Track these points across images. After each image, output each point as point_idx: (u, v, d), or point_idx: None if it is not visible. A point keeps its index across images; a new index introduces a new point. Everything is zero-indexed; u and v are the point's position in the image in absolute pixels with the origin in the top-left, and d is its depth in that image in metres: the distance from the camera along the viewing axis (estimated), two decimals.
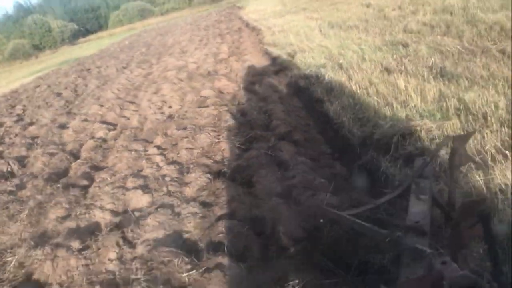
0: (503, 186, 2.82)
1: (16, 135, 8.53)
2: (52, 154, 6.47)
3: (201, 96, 7.44)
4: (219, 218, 3.41)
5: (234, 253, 2.94)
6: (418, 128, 3.88)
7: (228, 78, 8.37)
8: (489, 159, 3.15)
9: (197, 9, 45.13)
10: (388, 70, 6.11)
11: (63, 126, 8.22)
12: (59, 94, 12.38)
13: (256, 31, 14.78)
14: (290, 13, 17.39)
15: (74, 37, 49.00)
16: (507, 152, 3.16)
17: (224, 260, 2.85)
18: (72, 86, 13.14)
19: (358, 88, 5.67)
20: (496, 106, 4.01)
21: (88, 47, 34.99)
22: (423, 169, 2.34)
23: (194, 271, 2.85)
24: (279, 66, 8.55)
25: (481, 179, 2.89)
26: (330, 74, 6.62)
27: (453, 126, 3.85)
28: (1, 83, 23.66)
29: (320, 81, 6.55)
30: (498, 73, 4.81)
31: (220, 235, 3.18)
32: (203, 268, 2.84)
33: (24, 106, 11.89)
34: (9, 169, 6.37)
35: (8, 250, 3.87)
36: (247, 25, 17.42)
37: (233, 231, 3.15)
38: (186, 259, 2.98)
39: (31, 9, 57.63)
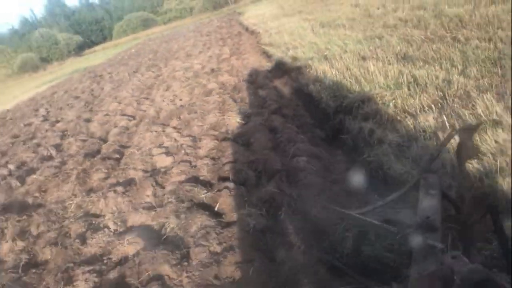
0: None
1: (47, 130, 9.86)
2: (83, 140, 7.80)
3: (207, 89, 8.74)
4: (225, 164, 4.68)
5: (236, 181, 4.21)
6: (375, 96, 5.15)
7: (229, 73, 9.68)
8: (418, 111, 4.40)
9: (199, 17, 46.69)
10: (363, 58, 7.37)
11: (88, 120, 9.53)
12: (77, 97, 13.75)
13: (255, 34, 16.10)
14: (287, 16, 18.71)
15: (80, 49, 50.80)
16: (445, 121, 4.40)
17: (229, 185, 4.12)
18: (89, 90, 14.52)
19: (337, 73, 6.93)
20: (437, 77, 5.27)
21: (95, 57, 36.55)
22: (431, 164, 2.37)
23: (208, 193, 4.12)
24: (273, 61, 9.82)
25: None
26: (316, 65, 7.89)
27: (402, 93, 5.11)
28: (16, 93, 25.16)
29: (308, 70, 7.81)
30: (445, 54, 6.07)
31: (226, 172, 4.45)
32: (215, 190, 4.12)
33: (47, 109, 13.26)
34: (48, 154, 7.68)
35: (67, 200, 5.15)
36: (247, 29, 18.76)
37: (235, 169, 4.43)
38: (203, 187, 4.25)
39: (36, 23, 59.55)
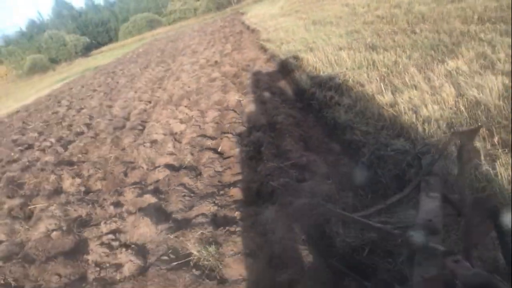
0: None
1: (74, 115, 11.63)
2: (109, 120, 9.55)
3: (211, 77, 10.47)
4: (225, 125, 6.40)
5: (233, 133, 5.93)
6: (340, 74, 6.84)
7: (230, 65, 11.40)
8: (367, 82, 6.08)
9: (203, 17, 48.54)
10: (340, 49, 9.05)
11: (109, 106, 11.29)
12: (95, 90, 15.54)
13: (255, 32, 17.80)
14: (285, 15, 20.43)
15: (86, 50, 52.83)
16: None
17: (229, 135, 5.84)
18: (105, 84, 16.31)
19: (317, 60, 8.61)
20: (389, 60, 6.94)
21: (103, 57, 38.45)
22: (432, 166, 2.38)
23: (213, 141, 5.84)
24: (269, 54, 11.52)
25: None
26: (302, 55, 9.58)
27: (360, 72, 6.79)
28: (31, 92, 27.03)
29: (295, 60, 9.51)
30: (401, 43, 7.74)
31: (226, 129, 6.17)
32: (218, 139, 5.83)
33: (69, 100, 15.05)
34: (81, 130, 9.43)
35: (106, 155, 6.88)
36: (248, 27, 20.48)
37: (233, 127, 6.15)
38: (209, 139, 5.98)
39: (43, 25, 61.68)
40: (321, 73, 7.65)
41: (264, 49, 12.90)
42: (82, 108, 12.36)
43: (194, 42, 21.71)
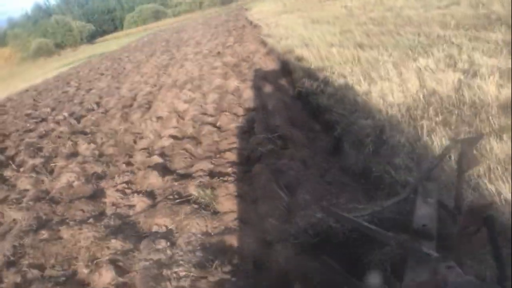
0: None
1: (84, 95, 12.45)
2: (118, 99, 10.38)
3: (213, 66, 11.31)
4: (225, 105, 7.26)
5: (231, 112, 6.78)
6: (327, 67, 7.70)
7: (232, 56, 12.24)
8: (349, 75, 6.94)
9: (208, 11, 49.26)
10: (332, 45, 9.90)
11: (117, 88, 12.12)
12: (102, 74, 16.35)
13: (257, 27, 18.61)
14: (287, 13, 21.25)
15: (92, 37, 53.44)
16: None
17: (226, 113, 6.69)
18: (112, 69, 17.12)
19: (310, 55, 9.45)
20: (371, 57, 7.80)
21: (108, 45, 39.13)
22: (430, 172, 2.39)
23: (213, 117, 6.71)
24: (268, 48, 12.35)
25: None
26: (298, 50, 10.42)
27: (346, 66, 7.64)
28: (37, 74, 27.74)
29: (291, 54, 10.35)
30: (385, 43, 8.60)
31: (225, 109, 7.03)
32: (217, 116, 6.69)
33: (77, 82, 15.85)
34: (91, 107, 10.25)
35: (116, 127, 7.72)
36: (251, 23, 21.29)
37: (231, 107, 7.01)
38: (210, 116, 6.83)
39: (50, 10, 62.21)
40: (312, 66, 8.50)
41: (264, 43, 13.72)
42: (91, 89, 13.17)
43: (198, 34, 22.50)
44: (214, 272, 2.98)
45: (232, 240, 3.35)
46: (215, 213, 3.85)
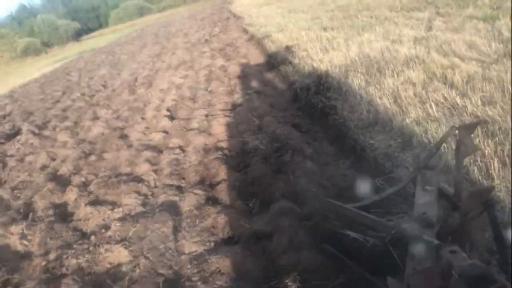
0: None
1: (87, 81, 14.37)
2: (121, 81, 12.37)
3: (202, 51, 13.34)
4: (213, 77, 9.32)
5: (218, 80, 8.85)
6: (296, 44, 9.79)
7: (218, 43, 14.29)
8: (311, 49, 9.04)
9: (192, 5, 51.03)
10: (303, 29, 11.99)
11: (118, 74, 14.07)
12: (99, 65, 18.23)
13: (240, 18, 20.63)
14: (267, 4, 23.29)
15: (77, 35, 54.88)
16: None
17: (216, 82, 8.75)
18: (107, 61, 19.01)
19: (284, 37, 11.53)
20: (332, 36, 9.89)
21: (95, 42, 40.78)
22: (428, 160, 2.50)
23: (205, 85, 8.77)
24: (249, 35, 14.41)
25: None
26: (274, 34, 12.49)
27: (310, 44, 9.72)
28: (31, 70, 29.41)
29: (268, 38, 12.42)
30: (344, 25, 10.70)
31: (214, 79, 9.09)
32: (208, 84, 8.76)
33: (77, 72, 17.73)
34: (99, 88, 12.22)
35: (125, 99, 9.73)
36: (234, 15, 23.30)
37: (219, 77, 9.07)
38: (202, 84, 8.90)
39: (34, 10, 63.37)
40: (284, 45, 10.59)
41: (246, 31, 15.78)
42: (93, 77, 15.09)
43: (186, 27, 24.45)
44: (211, 157, 5.05)
45: (222, 144, 5.43)
46: (210, 134, 5.92)
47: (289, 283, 2.63)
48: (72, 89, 13.39)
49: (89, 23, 60.27)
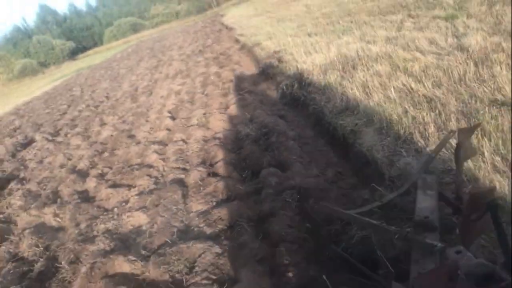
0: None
1: (90, 94, 15.32)
2: (122, 92, 13.32)
3: (196, 61, 14.34)
4: (208, 82, 10.29)
5: (214, 85, 9.81)
6: (282, 49, 10.78)
7: (211, 53, 15.30)
8: (296, 53, 10.03)
9: (184, 20, 52.36)
10: (290, 36, 13.00)
11: (119, 86, 15.04)
12: (99, 80, 19.22)
13: (232, 29, 21.72)
14: (258, 15, 24.42)
15: (73, 54, 56.10)
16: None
17: (211, 86, 9.71)
18: (107, 75, 20.00)
19: (272, 44, 12.54)
20: (315, 41, 10.89)
21: (91, 60, 41.89)
22: (428, 165, 2.55)
23: (201, 89, 9.73)
24: (241, 45, 15.44)
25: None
26: (263, 42, 13.50)
27: (296, 48, 10.71)
28: (31, 90, 30.39)
29: (258, 46, 13.42)
30: (326, 30, 11.72)
31: (209, 83, 10.05)
32: (204, 88, 9.72)
33: (79, 87, 18.68)
34: (102, 100, 13.15)
35: (129, 107, 10.66)
36: (226, 27, 24.42)
37: (213, 82, 10.04)
38: (198, 89, 9.86)
39: (29, 31, 64.64)
40: (272, 51, 11.59)
41: (238, 41, 16.82)
42: (95, 90, 16.06)
43: (179, 40, 25.53)
44: (210, 144, 5.97)
45: (219, 135, 6.34)
46: (208, 128, 6.85)
47: (271, 218, 3.53)
48: (76, 102, 14.32)
49: (83, 42, 61.55)
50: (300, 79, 7.52)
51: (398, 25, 9.24)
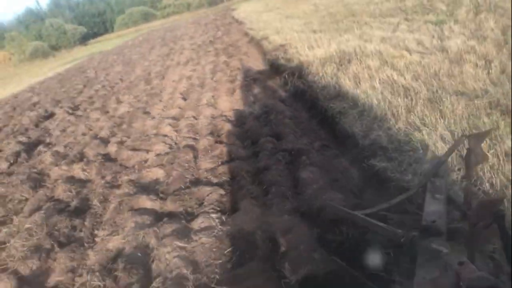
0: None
1: (105, 76, 16.25)
2: (136, 76, 14.24)
3: (207, 50, 15.26)
4: (217, 69, 11.20)
5: (222, 72, 10.73)
6: (287, 44, 11.68)
7: (221, 44, 16.20)
8: (300, 47, 10.93)
9: (196, 12, 53.21)
10: (296, 32, 13.88)
11: (132, 70, 15.95)
12: (112, 65, 20.13)
13: (242, 23, 22.59)
14: (267, 11, 25.29)
15: (84, 39, 57.07)
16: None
17: (220, 73, 10.63)
18: (119, 60, 20.91)
19: (280, 38, 13.42)
20: (319, 37, 11.78)
21: (102, 45, 42.81)
22: (438, 168, 2.52)
23: (211, 76, 10.65)
24: (249, 37, 16.33)
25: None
26: (271, 36, 14.39)
27: (301, 43, 11.60)
28: (44, 71, 31.33)
29: (266, 40, 14.31)
30: (329, 28, 12.60)
31: (218, 71, 10.97)
32: (214, 75, 10.64)
33: (93, 70, 19.62)
34: (117, 82, 14.09)
35: (142, 88, 11.59)
36: (237, 20, 25.29)
37: (222, 69, 10.96)
38: (208, 75, 10.78)
39: (42, 14, 65.66)
40: (278, 44, 12.49)
41: (247, 34, 17.71)
42: (109, 73, 16.98)
43: (191, 31, 26.42)
44: (217, 120, 6.88)
45: (226, 113, 7.26)
46: (216, 108, 7.76)
47: (265, 171, 4.46)
48: (92, 83, 15.27)
49: (95, 28, 62.50)
50: (300, 70, 8.42)
51: (394, 27, 10.11)
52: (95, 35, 61.23)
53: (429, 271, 1.71)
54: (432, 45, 7.51)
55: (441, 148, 3.86)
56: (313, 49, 10.19)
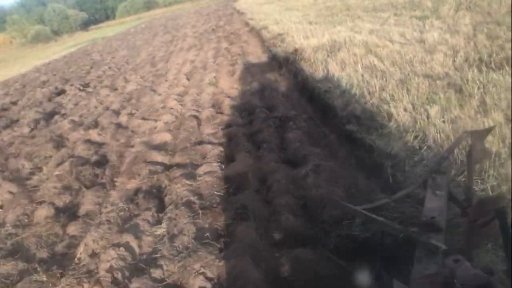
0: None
1: (111, 59, 17.05)
2: (141, 59, 15.07)
3: (209, 38, 16.08)
4: (219, 54, 12.06)
5: (224, 57, 11.59)
6: (285, 33, 12.54)
7: (223, 32, 17.02)
8: (296, 36, 11.79)
9: (197, 2, 53.78)
10: (294, 23, 14.72)
11: (137, 54, 16.77)
12: (117, 49, 20.91)
13: (243, 14, 23.36)
14: (268, 3, 26.07)
15: (85, 25, 57.57)
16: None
17: (221, 57, 11.49)
18: (123, 46, 21.69)
19: (278, 28, 14.25)
20: (314, 28, 12.63)
21: (104, 32, 43.43)
22: (440, 165, 2.52)
23: (213, 60, 11.51)
24: (250, 27, 17.15)
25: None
26: (270, 27, 15.22)
27: (297, 33, 12.45)
28: (47, 54, 32.02)
29: (266, 29, 15.14)
30: (326, 20, 13.44)
31: (220, 56, 11.83)
32: (215, 59, 11.50)
33: (98, 53, 20.39)
34: (123, 64, 14.90)
35: (149, 70, 12.43)
36: (238, 11, 26.05)
37: (223, 55, 11.81)
38: (210, 59, 11.64)
39: None
40: (277, 32, 13.34)
41: (247, 24, 18.52)
42: (114, 56, 17.79)
43: (193, 20, 27.18)
44: (218, 96, 7.76)
45: (226, 91, 8.13)
46: (217, 87, 8.63)
47: (258, 133, 5.35)
48: (98, 65, 16.08)
49: (96, 15, 62.97)
50: (295, 56, 9.29)
51: (384, 20, 10.98)
52: (96, 21, 61.72)
53: (426, 267, 1.75)
54: (412, 37, 8.39)
55: (402, 116, 4.77)
56: (307, 39, 11.04)
